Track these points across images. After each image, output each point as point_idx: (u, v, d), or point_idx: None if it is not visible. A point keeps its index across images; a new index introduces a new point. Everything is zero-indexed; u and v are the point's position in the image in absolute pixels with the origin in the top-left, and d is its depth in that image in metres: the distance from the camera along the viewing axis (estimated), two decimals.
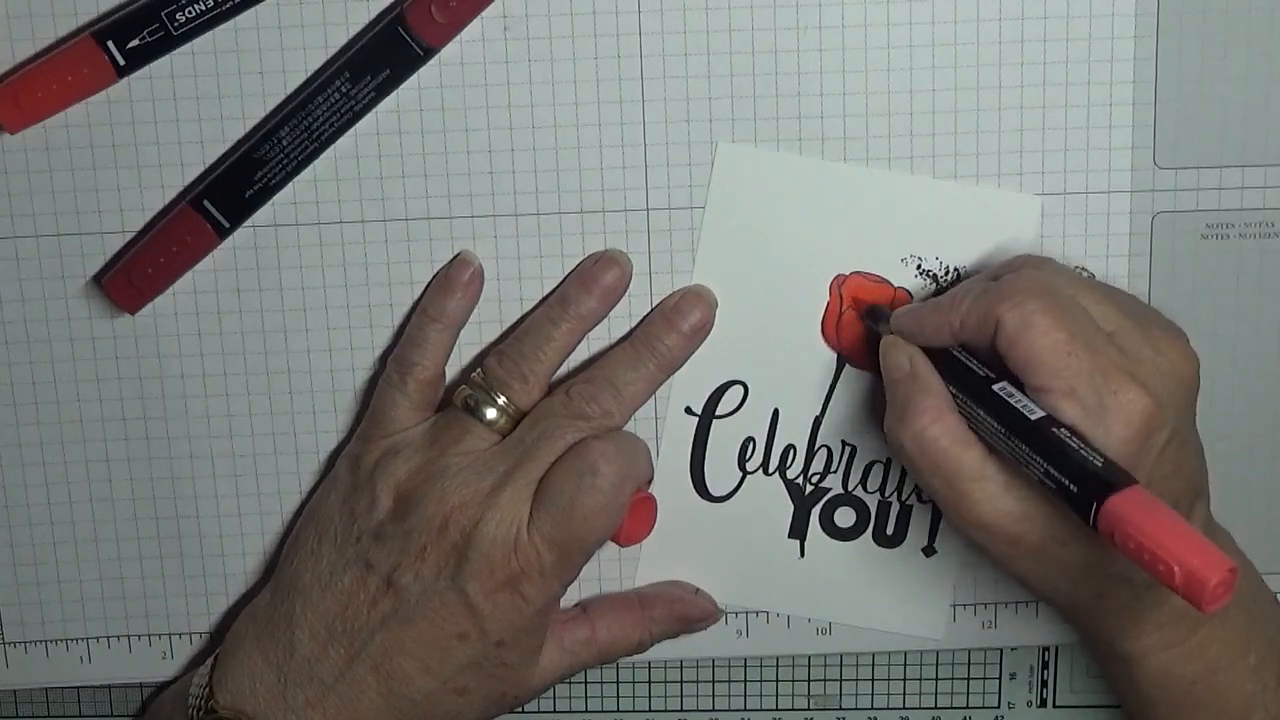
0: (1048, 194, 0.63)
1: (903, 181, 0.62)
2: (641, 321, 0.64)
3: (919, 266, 0.63)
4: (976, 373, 0.57)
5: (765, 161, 0.62)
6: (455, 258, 0.63)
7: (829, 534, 0.66)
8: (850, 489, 0.65)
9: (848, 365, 0.64)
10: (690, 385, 0.65)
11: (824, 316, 0.64)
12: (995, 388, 0.56)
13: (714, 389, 0.65)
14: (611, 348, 0.63)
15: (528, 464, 0.60)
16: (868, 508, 0.66)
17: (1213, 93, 0.62)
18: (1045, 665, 0.70)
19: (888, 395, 0.59)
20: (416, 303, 0.64)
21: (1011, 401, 0.55)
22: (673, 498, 0.65)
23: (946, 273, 0.63)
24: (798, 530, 0.66)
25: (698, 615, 0.66)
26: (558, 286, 0.63)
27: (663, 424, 0.65)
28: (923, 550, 0.66)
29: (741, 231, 0.63)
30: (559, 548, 0.60)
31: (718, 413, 0.65)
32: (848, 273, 0.63)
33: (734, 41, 0.62)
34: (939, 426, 0.56)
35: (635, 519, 0.63)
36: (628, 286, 0.63)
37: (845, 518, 0.66)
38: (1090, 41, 0.62)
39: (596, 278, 0.63)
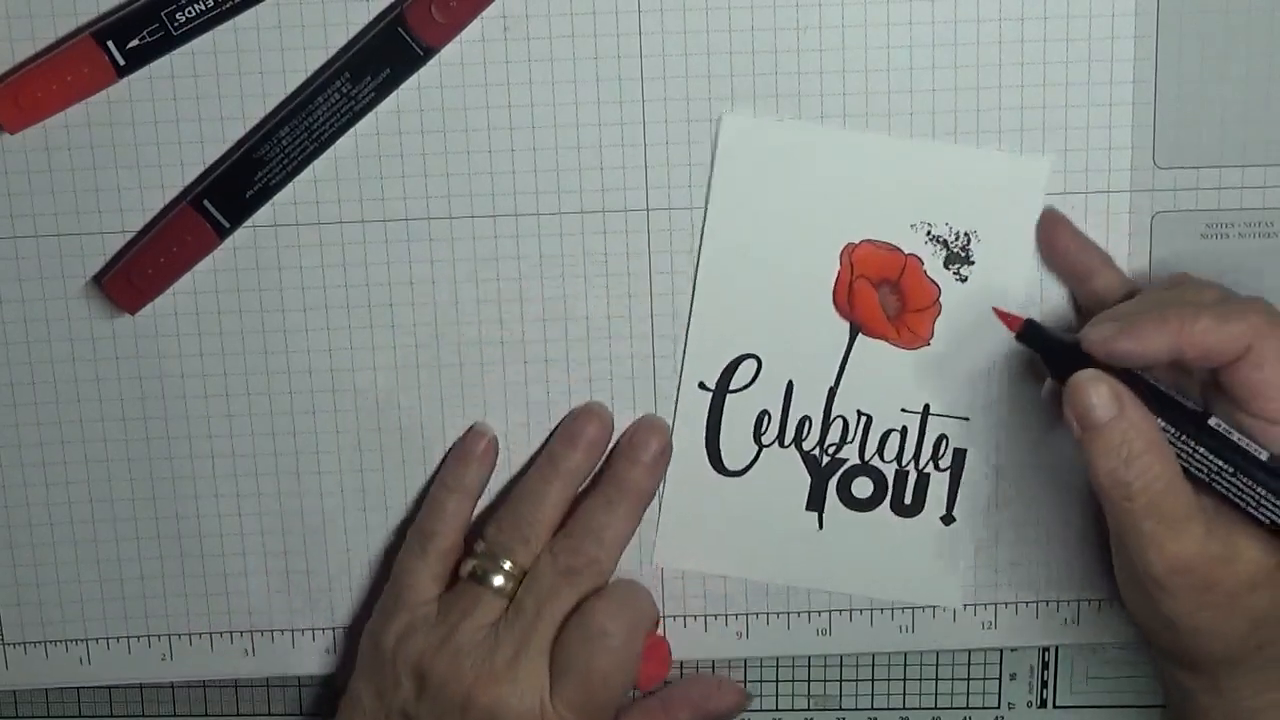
0: (1047, 194, 0.63)
1: (909, 146, 0.62)
2: (606, 462, 0.64)
3: (929, 232, 0.63)
4: (1186, 406, 0.57)
5: (769, 132, 0.62)
6: (470, 429, 0.65)
7: (847, 505, 0.66)
8: (867, 459, 0.65)
9: (860, 335, 0.64)
10: (703, 360, 0.65)
11: (835, 286, 0.64)
12: (1211, 422, 0.56)
13: (727, 363, 0.65)
14: (583, 495, 0.64)
15: (535, 632, 0.62)
16: (885, 477, 0.66)
17: (1213, 93, 0.62)
18: (1045, 665, 0.70)
19: (1091, 436, 0.56)
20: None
21: (1233, 438, 0.56)
22: (689, 473, 0.65)
23: (956, 238, 0.63)
24: (815, 502, 0.66)
25: (725, 709, 0.67)
26: (544, 445, 0.65)
27: (677, 399, 0.65)
28: (941, 519, 0.66)
29: (748, 203, 0.63)
30: (584, 711, 0.61)
31: (731, 387, 0.65)
32: (857, 241, 0.63)
33: (734, 41, 0.62)
34: (1160, 466, 0.55)
35: (651, 661, 0.64)
36: (610, 436, 0.64)
37: (863, 488, 0.66)
38: (1090, 41, 0.62)
39: (580, 432, 0.64)
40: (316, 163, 0.62)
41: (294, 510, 0.66)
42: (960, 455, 0.65)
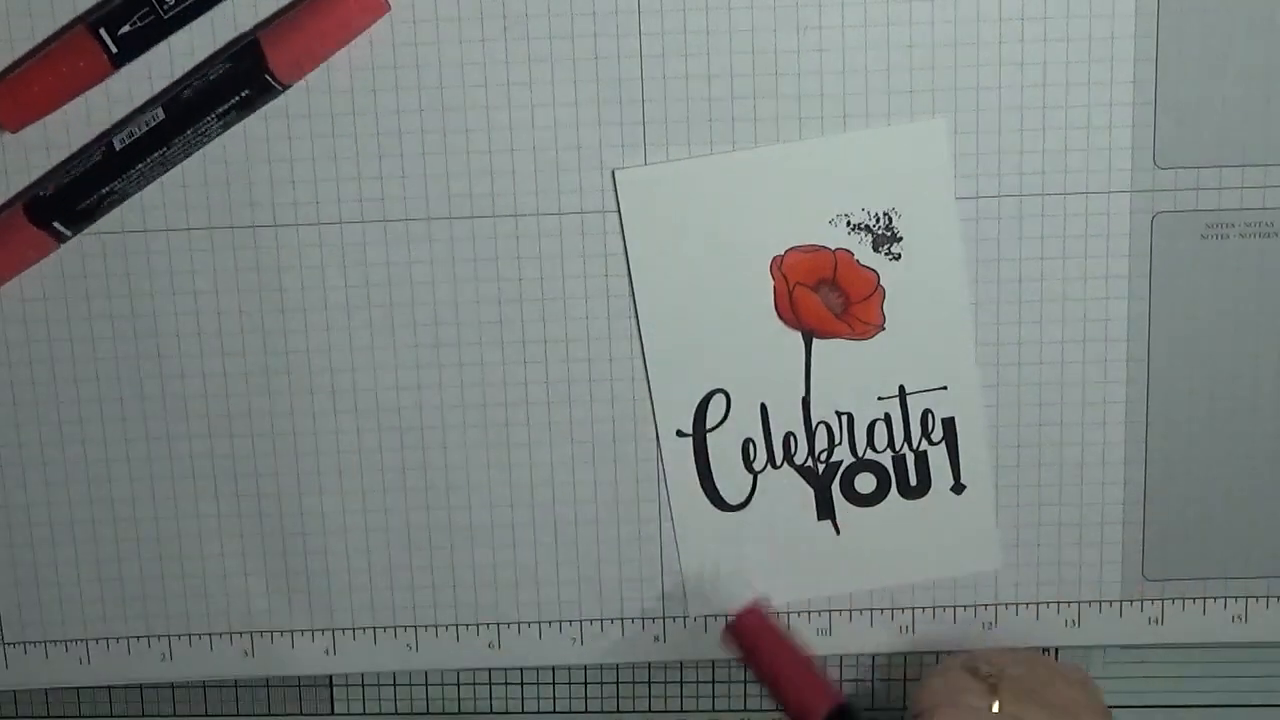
0: (1048, 194, 0.63)
1: (803, 149, 0.62)
2: None
3: (849, 222, 0.63)
4: None
5: (665, 175, 0.62)
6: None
7: (856, 504, 0.66)
8: (861, 455, 0.65)
9: (815, 339, 0.64)
10: (673, 408, 0.65)
11: (775, 300, 0.64)
12: None
13: (696, 405, 0.65)
14: None
15: None
16: (884, 467, 0.66)
17: (1213, 93, 0.62)
18: None
19: None
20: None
21: None
22: (694, 520, 0.65)
23: (877, 220, 0.63)
24: (825, 511, 0.66)
25: None
26: None
27: (660, 453, 0.65)
28: (951, 489, 0.66)
29: (667, 248, 0.63)
30: None
31: (708, 426, 0.65)
32: (782, 251, 0.63)
33: (734, 41, 0.62)
34: None
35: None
36: None
37: (866, 484, 0.66)
38: (1090, 41, 0.62)
39: None
40: (317, 163, 0.62)
41: (294, 510, 0.66)
42: (950, 423, 0.65)
